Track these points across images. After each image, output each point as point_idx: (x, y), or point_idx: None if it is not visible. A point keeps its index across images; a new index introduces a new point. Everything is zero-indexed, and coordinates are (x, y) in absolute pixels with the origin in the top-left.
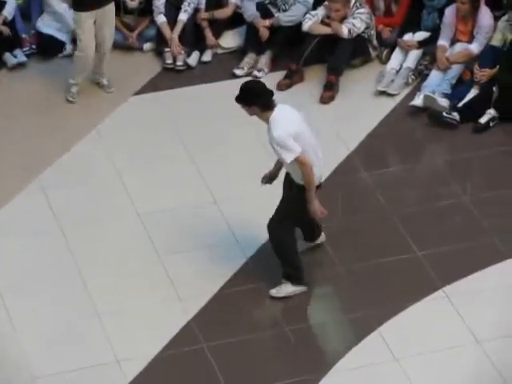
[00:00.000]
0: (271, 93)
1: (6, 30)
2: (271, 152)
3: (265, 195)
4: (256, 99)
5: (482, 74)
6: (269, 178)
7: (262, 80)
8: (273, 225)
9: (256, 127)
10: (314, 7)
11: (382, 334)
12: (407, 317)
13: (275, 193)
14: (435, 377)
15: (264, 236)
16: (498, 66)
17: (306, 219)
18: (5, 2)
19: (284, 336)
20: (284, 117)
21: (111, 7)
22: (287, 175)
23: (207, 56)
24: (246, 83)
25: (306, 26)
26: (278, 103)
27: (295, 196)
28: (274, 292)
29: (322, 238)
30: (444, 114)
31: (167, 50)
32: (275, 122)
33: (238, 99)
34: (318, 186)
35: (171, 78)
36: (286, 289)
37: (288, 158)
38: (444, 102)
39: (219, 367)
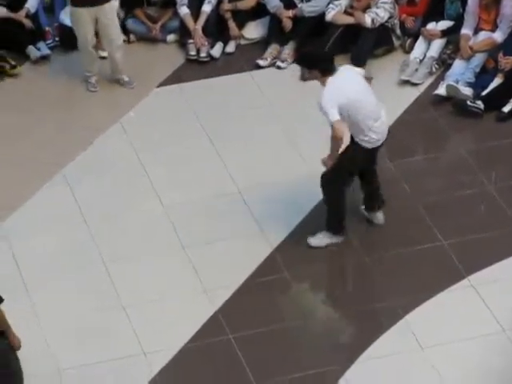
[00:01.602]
0: (332, 59)
1: (28, 23)
2: (294, 140)
3: (289, 185)
4: (317, 63)
5: (507, 61)
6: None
7: (284, 71)
8: (325, 177)
9: (278, 118)
10: None
11: (408, 322)
12: (433, 306)
13: (299, 182)
14: (461, 366)
15: (288, 226)
16: None
17: (371, 188)
18: None
19: (310, 326)
20: (336, 85)
21: (111, 5)
22: None
23: (231, 47)
24: (309, 48)
25: (329, 16)
26: (340, 68)
27: (345, 152)
28: (312, 241)
29: (380, 218)
30: (468, 102)
31: (190, 41)
32: (327, 88)
33: (300, 61)
34: (378, 148)
35: (195, 69)
36: (325, 239)
37: (328, 121)
38: (467, 91)
39: (245, 358)
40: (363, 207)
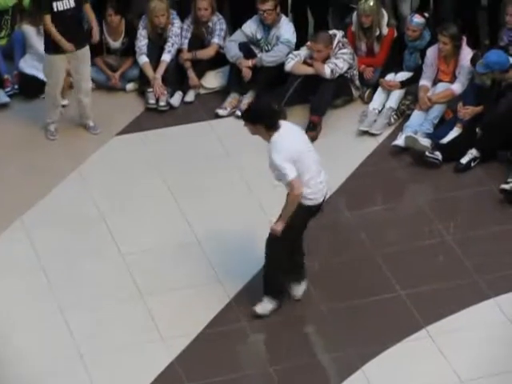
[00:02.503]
0: (278, 113)
1: None
2: (253, 190)
3: (247, 234)
4: (262, 118)
5: (466, 111)
6: None
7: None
8: (270, 239)
9: (237, 167)
10: (297, 47)
11: (365, 373)
12: (391, 356)
13: (257, 232)
14: None
15: (246, 275)
16: (481, 105)
17: (300, 257)
18: None
19: (268, 375)
20: (285, 139)
21: (84, 51)
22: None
23: (190, 96)
24: (255, 102)
25: (288, 66)
26: (283, 123)
27: (292, 214)
28: (259, 309)
29: (302, 289)
30: (426, 153)
31: (150, 90)
32: (276, 145)
33: (245, 116)
34: (319, 207)
35: (154, 118)
36: (269, 305)
37: (284, 181)
38: (426, 142)
39: None
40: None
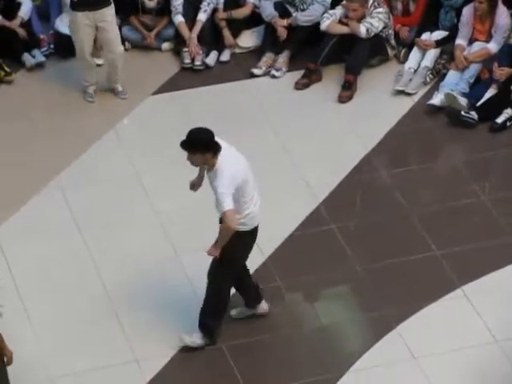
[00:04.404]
0: (216, 143)
1: (22, 32)
2: (289, 149)
3: (282, 192)
4: (210, 146)
5: (501, 72)
6: (193, 185)
7: (278, 80)
8: (212, 272)
9: (274, 127)
10: (332, 7)
11: (400, 332)
12: (426, 316)
13: (291, 189)
14: (453, 375)
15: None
16: None
17: (246, 282)
18: (20, 3)
19: (303, 335)
20: (230, 166)
21: (109, 11)
22: (220, 220)
23: (225, 56)
24: (194, 131)
25: (323, 26)
26: (223, 148)
27: (229, 242)
28: (186, 338)
29: (264, 306)
30: (462, 113)
31: (185, 49)
32: (220, 172)
33: (191, 148)
34: (256, 229)
35: (189, 77)
36: (199, 341)
37: (219, 209)
38: (463, 101)
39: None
40: (245, 308)
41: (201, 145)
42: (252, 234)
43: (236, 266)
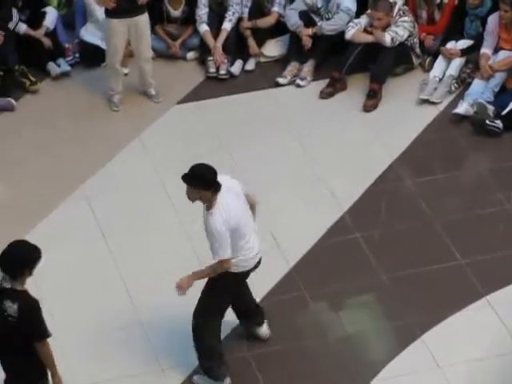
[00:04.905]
0: (217, 182)
1: (47, 42)
2: (314, 158)
3: (314, 197)
4: (211, 183)
5: None
6: None
7: (303, 89)
8: (197, 314)
9: (298, 137)
10: (357, 15)
11: (425, 341)
12: (450, 324)
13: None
14: None
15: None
16: None
17: (253, 304)
18: (46, 13)
19: (328, 344)
20: (229, 207)
21: (144, 18)
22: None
23: (250, 65)
24: (197, 166)
25: (348, 35)
26: (223, 187)
27: (216, 282)
28: (195, 379)
29: (266, 330)
30: (487, 121)
31: (210, 58)
32: (219, 215)
33: (186, 179)
34: (250, 271)
35: (214, 86)
36: (207, 381)
37: (219, 254)
38: (491, 111)
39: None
40: (247, 330)
41: (203, 181)
42: (243, 275)
43: (220, 312)
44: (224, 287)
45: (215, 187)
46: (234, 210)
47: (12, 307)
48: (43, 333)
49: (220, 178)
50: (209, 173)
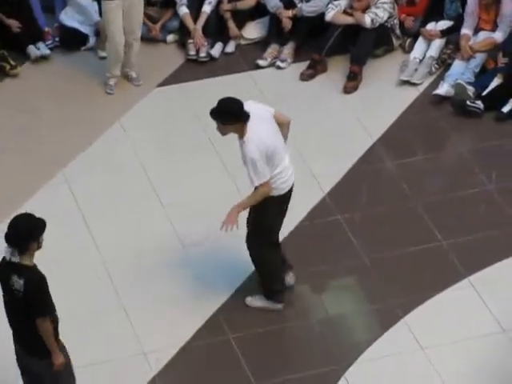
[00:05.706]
0: (245, 112)
1: (14, 24)
2: (295, 139)
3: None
4: (240, 115)
5: (506, 61)
6: None
7: (283, 71)
8: (249, 241)
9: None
10: None
11: (407, 323)
12: (433, 306)
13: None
14: (461, 365)
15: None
16: None
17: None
18: None
19: (310, 326)
20: (261, 133)
21: None
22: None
23: (230, 47)
24: (223, 100)
25: (328, 16)
26: (252, 115)
27: (261, 207)
28: (249, 300)
29: (291, 279)
30: (468, 102)
31: (190, 41)
32: (250, 141)
33: (214, 115)
34: (291, 190)
35: (194, 69)
36: (262, 301)
37: (256, 181)
38: (470, 91)
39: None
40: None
41: (231, 115)
42: (284, 198)
43: (271, 234)
44: (269, 211)
45: (244, 118)
46: (266, 134)
47: (18, 282)
48: (44, 310)
49: (247, 107)
50: (235, 106)
